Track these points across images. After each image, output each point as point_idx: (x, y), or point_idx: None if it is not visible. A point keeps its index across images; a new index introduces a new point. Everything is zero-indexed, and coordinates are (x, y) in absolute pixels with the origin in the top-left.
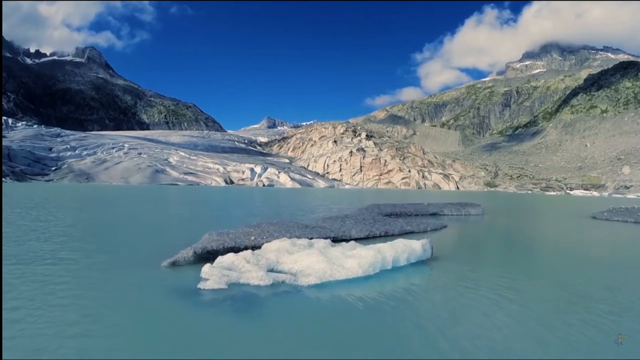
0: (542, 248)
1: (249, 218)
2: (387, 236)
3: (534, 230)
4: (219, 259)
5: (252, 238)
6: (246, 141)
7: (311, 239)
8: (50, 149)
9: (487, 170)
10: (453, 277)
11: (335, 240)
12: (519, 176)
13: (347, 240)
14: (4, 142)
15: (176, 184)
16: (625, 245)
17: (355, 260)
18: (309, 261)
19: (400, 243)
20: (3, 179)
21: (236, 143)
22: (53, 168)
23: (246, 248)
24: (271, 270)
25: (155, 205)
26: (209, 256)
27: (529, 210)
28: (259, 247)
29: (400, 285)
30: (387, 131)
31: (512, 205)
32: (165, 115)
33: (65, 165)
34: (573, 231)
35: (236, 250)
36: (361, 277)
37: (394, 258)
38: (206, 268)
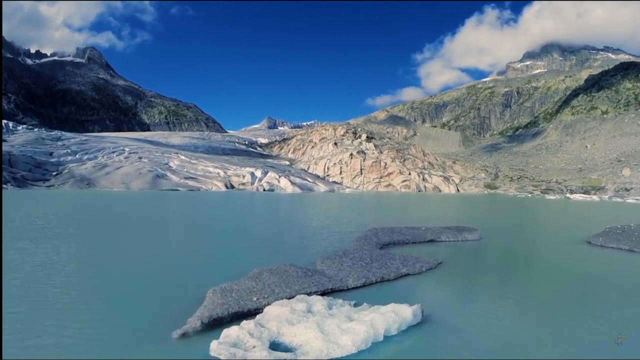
0: (533, 293)
1: (250, 256)
2: (383, 282)
3: (528, 266)
4: (225, 332)
5: (255, 299)
6: (247, 142)
7: (309, 294)
8: (51, 154)
9: (487, 171)
10: (443, 341)
11: (333, 291)
12: (519, 178)
13: (344, 291)
14: (5, 147)
15: (177, 190)
16: (619, 290)
17: (349, 337)
18: (307, 337)
19: (391, 313)
20: (4, 186)
21: (237, 144)
22: (54, 173)
23: (249, 312)
24: (273, 343)
25: (156, 228)
26: (215, 323)
27: (526, 231)
28: (262, 309)
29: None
30: (388, 132)
31: (510, 221)
32: (165, 116)
33: (66, 171)
34: (568, 266)
35: (240, 315)
36: (354, 353)
37: (386, 329)
38: (214, 345)
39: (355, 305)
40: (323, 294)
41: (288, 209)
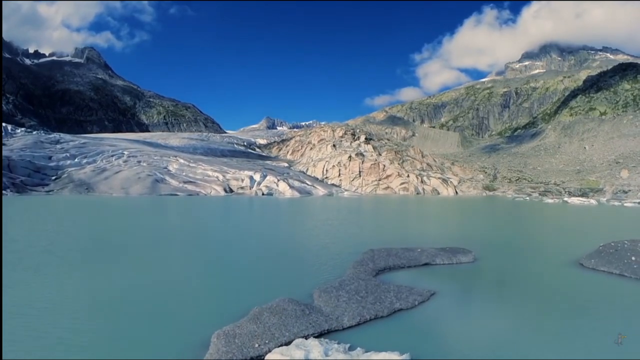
0: (521, 328)
1: (250, 285)
2: (377, 318)
3: (519, 295)
4: None
5: (256, 345)
6: (245, 143)
7: (307, 337)
8: (49, 158)
9: (486, 172)
10: None
11: (329, 331)
12: (517, 179)
13: (339, 331)
14: (4, 152)
15: (176, 194)
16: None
17: None
18: None
19: None
20: (4, 192)
21: (235, 145)
22: (53, 178)
23: (252, 359)
24: None
25: (154, 246)
26: None
27: (520, 248)
28: (263, 356)
29: None
30: (387, 133)
31: (505, 237)
32: (164, 116)
33: (65, 175)
34: (558, 296)
35: None
36: None
37: None
38: None
39: (350, 349)
40: (320, 334)
41: (287, 219)
